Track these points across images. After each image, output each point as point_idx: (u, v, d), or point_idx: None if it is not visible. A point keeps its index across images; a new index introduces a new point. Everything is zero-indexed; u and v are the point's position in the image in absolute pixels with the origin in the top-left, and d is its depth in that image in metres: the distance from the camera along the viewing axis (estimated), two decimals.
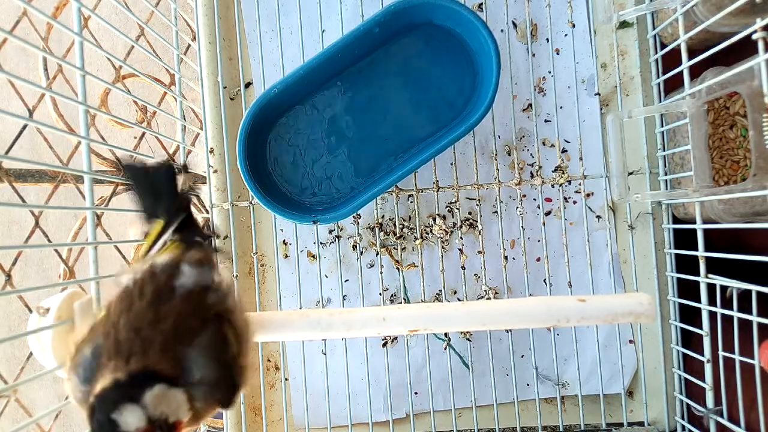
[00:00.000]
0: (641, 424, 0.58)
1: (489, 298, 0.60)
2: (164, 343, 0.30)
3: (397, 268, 0.61)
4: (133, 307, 0.31)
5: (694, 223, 0.51)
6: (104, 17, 0.45)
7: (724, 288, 0.48)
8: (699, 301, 0.52)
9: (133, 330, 0.30)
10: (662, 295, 0.58)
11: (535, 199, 0.60)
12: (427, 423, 0.60)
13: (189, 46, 0.62)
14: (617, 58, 0.60)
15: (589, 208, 0.60)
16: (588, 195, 0.60)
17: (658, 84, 0.58)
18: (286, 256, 0.62)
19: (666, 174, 0.58)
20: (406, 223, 0.61)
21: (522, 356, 0.60)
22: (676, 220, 0.58)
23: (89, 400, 0.28)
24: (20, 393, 0.39)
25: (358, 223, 0.60)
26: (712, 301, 0.50)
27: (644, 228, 0.59)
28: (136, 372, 0.29)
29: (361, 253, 0.61)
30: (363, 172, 0.57)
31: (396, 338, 0.61)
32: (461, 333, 0.60)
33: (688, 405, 0.55)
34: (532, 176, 0.60)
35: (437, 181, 0.59)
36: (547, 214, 0.60)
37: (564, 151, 0.60)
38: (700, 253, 0.51)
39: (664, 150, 0.58)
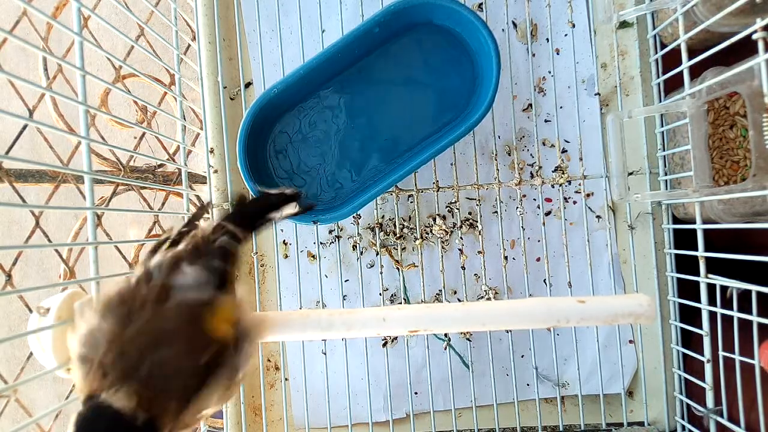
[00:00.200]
0: (641, 424, 0.58)
1: (489, 298, 0.60)
2: (175, 392, 0.30)
3: (397, 268, 0.61)
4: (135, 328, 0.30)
5: (694, 223, 0.51)
6: (104, 17, 0.45)
7: (724, 288, 0.48)
8: (699, 301, 0.52)
9: (144, 366, 0.29)
10: (662, 295, 0.58)
11: (535, 199, 0.60)
12: (427, 423, 0.60)
13: (189, 46, 0.62)
14: (617, 58, 0.60)
15: (589, 208, 0.60)
16: (588, 195, 0.60)
17: (658, 84, 0.58)
18: (286, 256, 0.62)
19: (666, 174, 0.58)
20: (406, 223, 0.61)
21: (522, 356, 0.60)
22: (676, 220, 0.58)
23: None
24: (20, 393, 0.39)
25: (358, 223, 0.60)
26: (712, 301, 0.50)
27: (644, 228, 0.59)
28: (99, 403, 0.28)
29: (361, 253, 0.61)
30: (363, 172, 0.57)
31: (396, 338, 0.61)
32: (461, 333, 0.60)
33: (688, 405, 0.55)
34: (532, 176, 0.60)
35: (437, 181, 0.59)
36: (547, 214, 0.60)
37: (564, 151, 0.60)
38: (700, 253, 0.51)
39: (664, 150, 0.58)
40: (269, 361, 0.62)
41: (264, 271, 0.62)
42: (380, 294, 0.61)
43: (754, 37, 0.39)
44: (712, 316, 0.50)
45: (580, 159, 0.60)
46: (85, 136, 0.41)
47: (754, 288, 0.44)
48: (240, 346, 0.33)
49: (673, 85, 0.57)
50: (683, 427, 0.56)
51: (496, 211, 0.60)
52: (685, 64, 0.51)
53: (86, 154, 0.41)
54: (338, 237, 0.61)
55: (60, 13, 0.61)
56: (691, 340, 0.57)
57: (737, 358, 0.47)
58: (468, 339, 0.60)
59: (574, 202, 0.61)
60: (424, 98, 0.57)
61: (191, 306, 0.32)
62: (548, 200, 0.61)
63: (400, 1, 0.52)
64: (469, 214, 0.61)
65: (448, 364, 0.59)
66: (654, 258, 0.58)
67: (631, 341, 0.60)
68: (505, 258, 0.60)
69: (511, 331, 0.60)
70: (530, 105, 0.60)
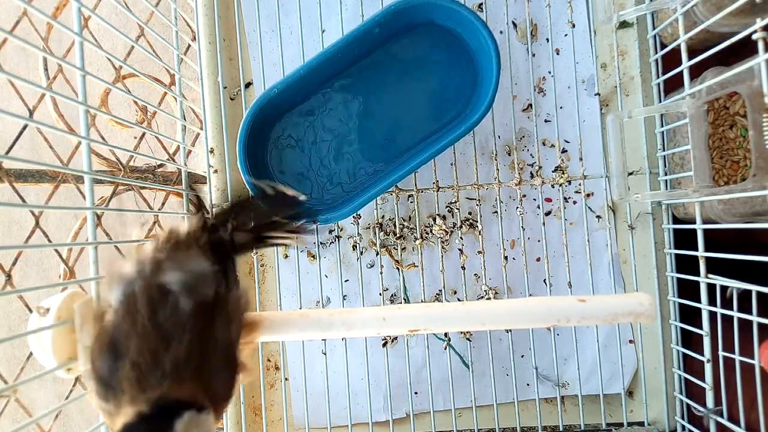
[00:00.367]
0: (641, 424, 0.58)
1: (489, 298, 0.60)
2: (182, 367, 0.29)
3: (397, 268, 0.61)
4: (137, 322, 0.30)
5: (694, 223, 0.51)
6: (104, 17, 0.45)
7: (724, 288, 0.48)
8: (699, 301, 0.52)
9: (147, 353, 0.29)
10: (662, 295, 0.58)
11: (535, 199, 0.60)
12: (427, 423, 0.60)
13: (189, 46, 0.62)
14: (617, 58, 0.60)
15: (589, 208, 0.60)
16: (588, 195, 0.60)
17: (658, 84, 0.58)
18: (286, 256, 0.62)
19: (666, 174, 0.58)
20: (406, 223, 0.61)
21: (522, 356, 0.60)
22: (676, 220, 0.58)
23: None
24: (20, 393, 0.39)
25: (358, 223, 0.60)
26: (712, 301, 0.50)
27: (644, 228, 0.59)
28: (160, 401, 0.28)
29: (361, 253, 0.61)
30: (363, 172, 0.57)
31: (396, 338, 0.61)
32: (461, 333, 0.60)
33: (688, 405, 0.55)
34: (532, 176, 0.60)
35: (437, 181, 0.59)
36: (547, 214, 0.60)
37: (564, 151, 0.60)
38: (700, 253, 0.51)
39: (664, 150, 0.58)
40: (269, 361, 0.62)
41: (264, 271, 0.62)
42: (380, 294, 0.61)
43: (754, 37, 0.39)
44: (712, 316, 0.50)
45: (580, 159, 0.60)
46: (85, 136, 0.41)
47: (754, 288, 0.44)
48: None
49: (673, 85, 0.57)
50: (683, 427, 0.56)
51: (496, 211, 0.60)
52: (685, 64, 0.51)
53: (86, 154, 0.41)
54: (338, 237, 0.61)
55: (60, 13, 0.60)
56: (691, 340, 0.57)
57: (737, 358, 0.47)
58: (468, 339, 0.60)
59: (574, 202, 0.61)
60: (424, 98, 0.57)
61: (210, 296, 0.32)
62: (548, 200, 0.61)
63: (401, 1, 0.52)
64: (469, 214, 0.61)
65: (448, 364, 0.59)
66: (654, 258, 0.58)
67: (631, 341, 0.60)
68: (505, 258, 0.59)
69: (511, 331, 0.60)
70: (530, 105, 0.60)
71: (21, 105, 0.61)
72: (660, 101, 0.58)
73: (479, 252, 0.60)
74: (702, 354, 0.51)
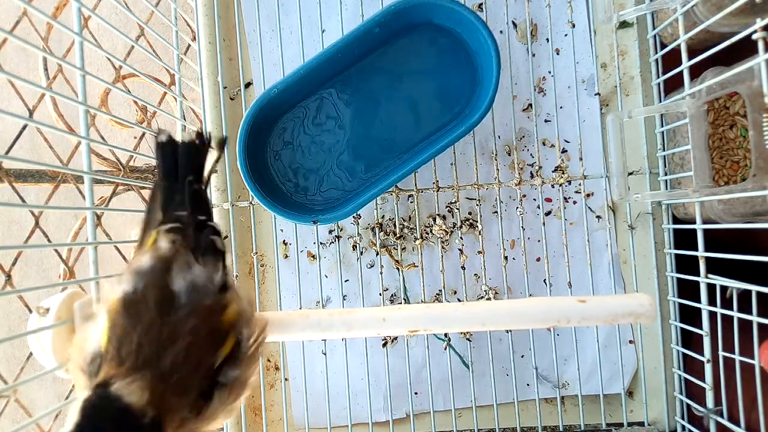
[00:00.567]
0: (641, 424, 0.58)
1: (489, 298, 0.60)
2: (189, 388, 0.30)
3: (397, 268, 0.61)
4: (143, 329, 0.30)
5: (694, 223, 0.51)
6: (104, 17, 0.45)
7: (724, 288, 0.48)
8: (699, 301, 0.52)
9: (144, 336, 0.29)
10: (662, 295, 0.58)
11: (535, 199, 0.60)
12: (427, 423, 0.60)
13: (189, 46, 0.62)
14: (617, 58, 0.60)
15: (589, 208, 0.60)
16: (588, 195, 0.60)
17: (658, 84, 0.58)
18: (286, 256, 0.62)
19: (666, 174, 0.58)
20: (406, 223, 0.61)
21: (522, 356, 0.60)
22: (676, 220, 0.58)
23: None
24: (20, 393, 0.39)
25: (358, 223, 0.60)
26: (712, 301, 0.50)
27: (644, 228, 0.59)
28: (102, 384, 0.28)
29: (361, 253, 0.61)
30: (363, 172, 0.57)
31: (396, 338, 0.61)
32: (461, 333, 0.60)
33: (688, 405, 0.55)
34: (532, 176, 0.60)
35: (437, 181, 0.59)
36: (547, 214, 0.60)
37: (564, 151, 0.60)
38: (700, 253, 0.51)
39: (664, 150, 0.58)
40: (269, 361, 0.62)
41: (264, 271, 0.62)
42: (380, 294, 0.61)
43: (754, 37, 0.39)
44: (712, 316, 0.50)
45: (580, 159, 0.60)
46: (85, 136, 0.41)
47: (754, 288, 0.44)
48: (244, 344, 0.33)
49: (673, 85, 0.57)
50: (683, 427, 0.56)
51: (496, 211, 0.60)
52: (685, 64, 0.51)
53: (86, 154, 0.41)
54: (338, 237, 0.61)
55: (60, 13, 0.61)
56: (691, 340, 0.57)
57: (737, 358, 0.47)
58: (468, 339, 0.60)
59: (574, 202, 0.61)
60: (424, 98, 0.57)
61: (205, 302, 0.32)
62: (548, 200, 0.61)
63: (400, 1, 0.52)
64: (469, 214, 0.61)
65: (448, 364, 0.59)
66: (654, 258, 0.58)
67: (631, 341, 0.60)
68: (505, 258, 0.60)
69: (511, 331, 0.60)
70: (530, 105, 0.60)
71: (21, 105, 0.61)
72: (660, 101, 0.58)
73: (479, 252, 0.60)
74: (702, 354, 0.51)
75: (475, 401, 0.59)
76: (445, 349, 0.60)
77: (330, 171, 0.57)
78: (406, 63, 0.57)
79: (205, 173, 0.37)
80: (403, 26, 0.56)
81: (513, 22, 0.61)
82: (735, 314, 0.46)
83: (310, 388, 0.60)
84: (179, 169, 0.36)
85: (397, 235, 0.60)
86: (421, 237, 0.60)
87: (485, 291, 0.60)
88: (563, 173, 0.60)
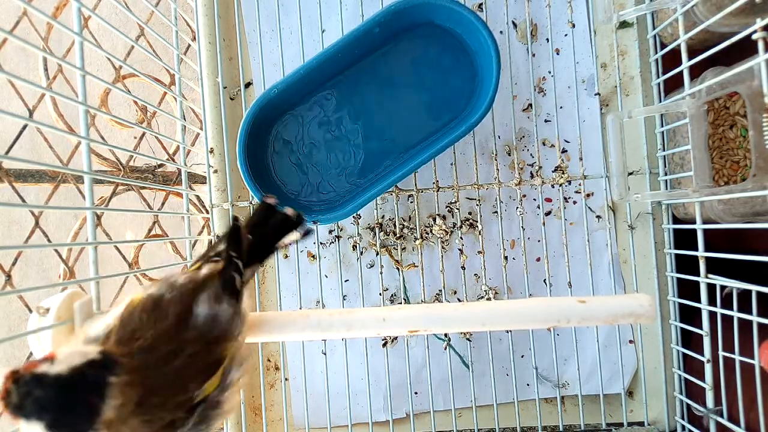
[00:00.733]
0: (641, 424, 0.58)
1: (489, 298, 0.60)
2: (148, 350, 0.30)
3: (397, 268, 0.61)
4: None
5: (694, 223, 0.51)
6: (104, 17, 0.45)
7: (724, 288, 0.48)
8: (699, 301, 0.52)
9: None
10: (662, 295, 0.58)
11: (535, 199, 0.60)
12: (427, 423, 0.60)
13: (189, 46, 0.62)
14: (617, 58, 0.60)
15: (589, 208, 0.60)
16: (588, 195, 0.60)
17: (658, 84, 0.58)
18: (286, 257, 0.62)
19: (666, 174, 0.58)
20: (406, 223, 0.61)
21: (522, 356, 0.60)
22: (676, 220, 0.58)
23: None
24: None
25: (358, 223, 0.60)
26: (712, 301, 0.50)
27: (644, 228, 0.59)
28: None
29: (361, 253, 0.61)
30: (363, 172, 0.57)
31: (396, 338, 0.61)
32: (461, 333, 0.60)
33: (688, 405, 0.55)
34: (532, 176, 0.60)
35: (437, 181, 0.59)
36: (547, 214, 0.60)
37: (564, 151, 0.60)
38: (700, 253, 0.51)
39: (664, 150, 0.58)
40: (269, 361, 0.62)
41: (264, 271, 0.62)
42: (380, 294, 0.61)
43: (754, 37, 0.39)
44: (712, 316, 0.50)
45: (580, 159, 0.60)
46: (85, 136, 0.41)
47: (754, 288, 0.44)
48: (228, 375, 0.33)
49: (673, 85, 0.57)
50: (683, 427, 0.56)
51: (496, 211, 0.60)
52: (685, 64, 0.51)
53: (86, 154, 0.41)
54: (338, 237, 0.61)
55: (60, 13, 0.60)
56: (691, 340, 0.57)
57: (737, 358, 0.47)
58: (468, 339, 0.60)
59: (574, 202, 0.61)
60: (424, 98, 0.57)
61: (214, 334, 0.33)
62: (548, 200, 0.61)
63: (401, 1, 0.52)
64: (469, 214, 0.61)
65: (448, 364, 0.59)
66: (654, 258, 0.58)
67: (631, 341, 0.60)
68: (505, 258, 0.59)
69: (511, 331, 0.60)
70: (530, 105, 0.60)
71: (21, 105, 0.61)
72: (660, 101, 0.58)
73: (479, 252, 0.60)
74: (702, 354, 0.51)
75: (475, 401, 0.59)
76: (445, 349, 0.60)
77: (330, 171, 0.57)
78: (406, 63, 0.57)
79: (277, 244, 0.39)
80: (403, 26, 0.56)
81: (513, 22, 0.61)
82: (735, 314, 0.46)
83: (310, 387, 0.60)
84: (261, 227, 0.38)
85: (397, 235, 0.60)
86: (421, 237, 0.60)
87: (485, 291, 0.60)
88: (563, 173, 0.60)
